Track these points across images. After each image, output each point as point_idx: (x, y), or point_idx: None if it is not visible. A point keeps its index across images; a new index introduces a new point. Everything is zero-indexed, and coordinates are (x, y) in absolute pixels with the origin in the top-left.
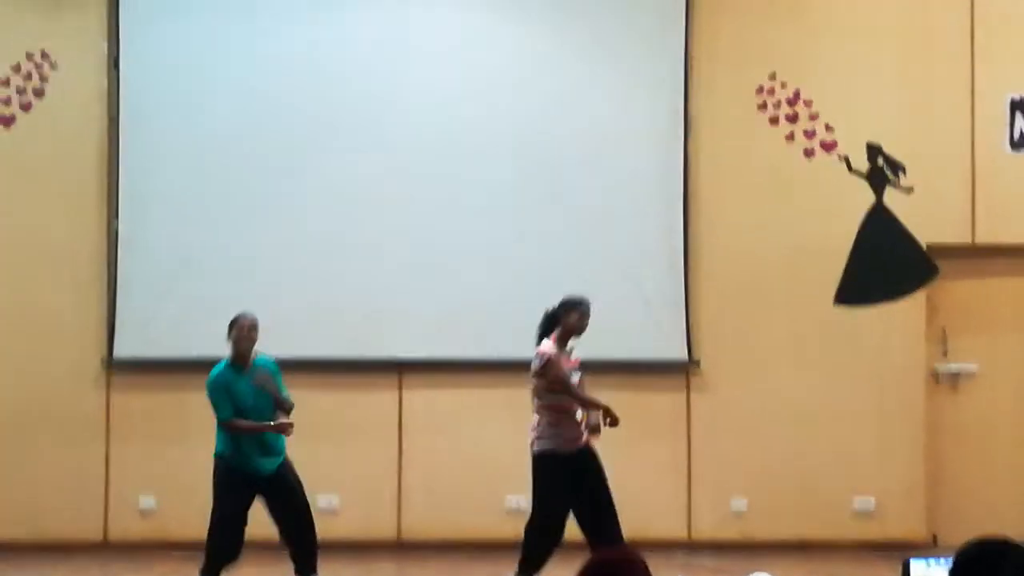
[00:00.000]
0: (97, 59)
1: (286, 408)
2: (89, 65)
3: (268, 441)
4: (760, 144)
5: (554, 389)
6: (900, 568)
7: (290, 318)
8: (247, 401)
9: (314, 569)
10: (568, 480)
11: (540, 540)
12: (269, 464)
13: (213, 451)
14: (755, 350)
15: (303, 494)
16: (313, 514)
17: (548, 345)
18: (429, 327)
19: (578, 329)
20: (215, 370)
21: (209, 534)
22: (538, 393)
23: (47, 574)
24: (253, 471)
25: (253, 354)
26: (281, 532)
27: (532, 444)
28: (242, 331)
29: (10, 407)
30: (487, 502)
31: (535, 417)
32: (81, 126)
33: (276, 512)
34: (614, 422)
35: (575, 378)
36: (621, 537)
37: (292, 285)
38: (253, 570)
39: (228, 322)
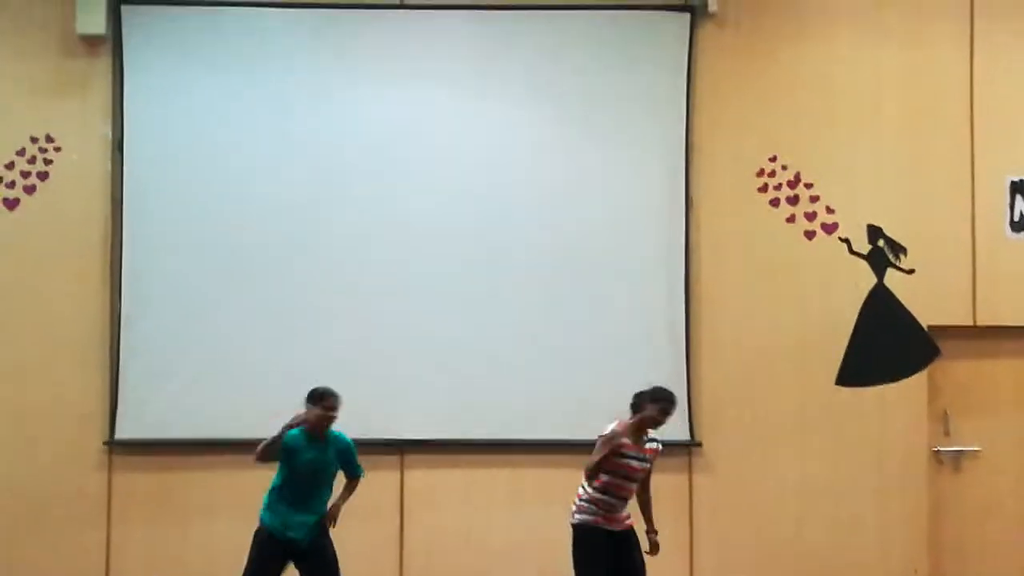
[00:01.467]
0: (101, 142)
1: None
2: (93, 148)
3: (299, 505)
4: (761, 226)
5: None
6: None
7: (290, 399)
8: (304, 468)
9: None
10: (602, 554)
11: None
12: (303, 527)
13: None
14: (757, 431)
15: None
16: None
17: (618, 423)
18: (431, 408)
19: (653, 422)
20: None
21: None
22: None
23: None
24: (289, 537)
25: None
26: None
27: (572, 515)
28: (327, 410)
29: (11, 488)
30: None
31: (580, 489)
32: (85, 208)
33: None
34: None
35: (636, 464)
36: None
37: (293, 366)
38: None
39: (312, 391)
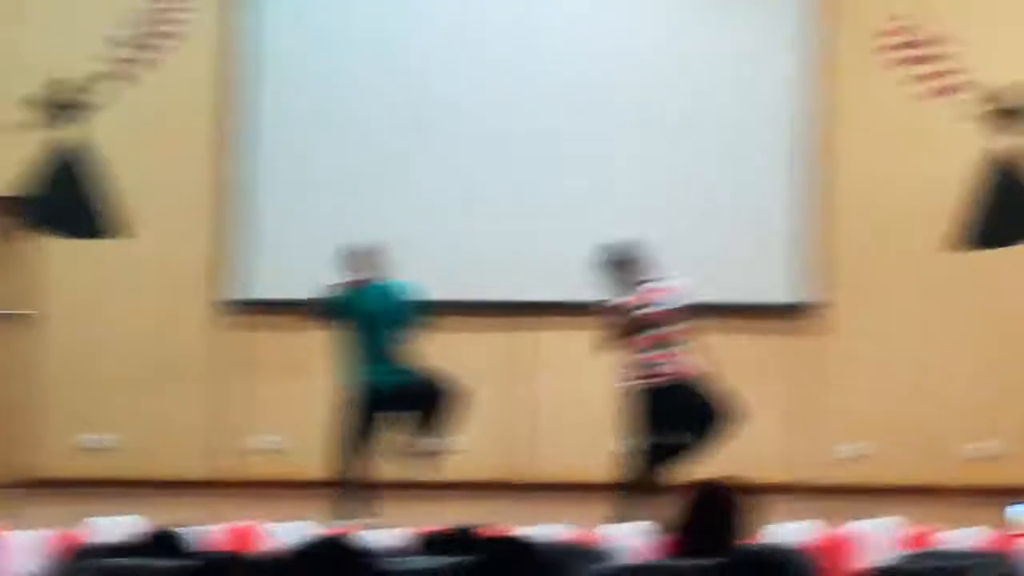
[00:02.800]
0: (220, 2)
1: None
2: (211, 9)
3: (378, 355)
4: (888, 86)
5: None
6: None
7: (416, 264)
8: (363, 311)
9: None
10: (664, 412)
11: (645, 474)
12: (388, 373)
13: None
14: (878, 293)
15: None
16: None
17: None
18: (563, 269)
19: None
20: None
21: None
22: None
23: (155, 511)
24: (375, 384)
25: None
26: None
27: (630, 382)
28: (354, 261)
29: (119, 349)
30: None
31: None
32: (198, 71)
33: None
34: None
35: (656, 308)
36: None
37: (405, 229)
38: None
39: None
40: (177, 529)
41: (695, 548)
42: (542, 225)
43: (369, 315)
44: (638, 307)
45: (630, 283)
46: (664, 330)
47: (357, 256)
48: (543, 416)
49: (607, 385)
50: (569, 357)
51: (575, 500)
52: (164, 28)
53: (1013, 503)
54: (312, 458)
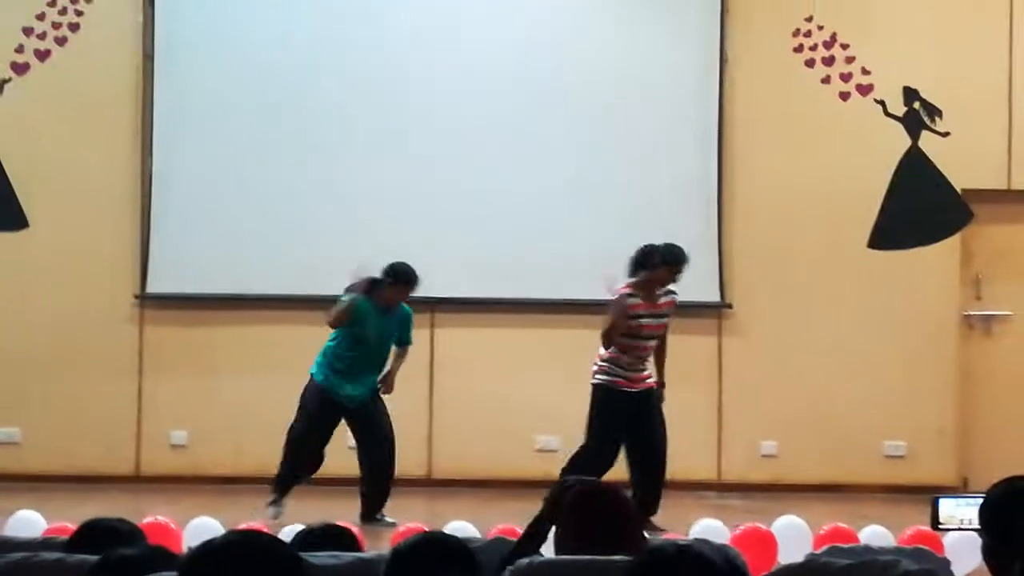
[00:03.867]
0: None
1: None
2: (123, 0)
3: (357, 372)
4: (796, 87)
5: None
6: (930, 509)
7: (323, 256)
8: (371, 335)
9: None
10: (621, 417)
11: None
12: (356, 391)
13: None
14: (788, 293)
15: (389, 433)
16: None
17: (624, 285)
18: (461, 266)
19: (662, 283)
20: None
21: (287, 446)
22: None
23: (80, 506)
24: (342, 397)
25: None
26: (361, 464)
27: (592, 375)
28: (403, 293)
29: (44, 341)
30: (517, 441)
31: (600, 349)
32: (115, 61)
33: (360, 442)
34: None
35: (651, 322)
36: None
37: (324, 223)
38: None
39: (397, 270)
40: (93, 525)
41: (577, 548)
42: (446, 223)
43: (377, 336)
44: (643, 315)
45: (650, 288)
46: (650, 343)
47: (401, 276)
48: (439, 414)
49: (503, 383)
50: (466, 354)
51: (472, 497)
52: (71, 20)
53: (939, 497)
54: (220, 454)
